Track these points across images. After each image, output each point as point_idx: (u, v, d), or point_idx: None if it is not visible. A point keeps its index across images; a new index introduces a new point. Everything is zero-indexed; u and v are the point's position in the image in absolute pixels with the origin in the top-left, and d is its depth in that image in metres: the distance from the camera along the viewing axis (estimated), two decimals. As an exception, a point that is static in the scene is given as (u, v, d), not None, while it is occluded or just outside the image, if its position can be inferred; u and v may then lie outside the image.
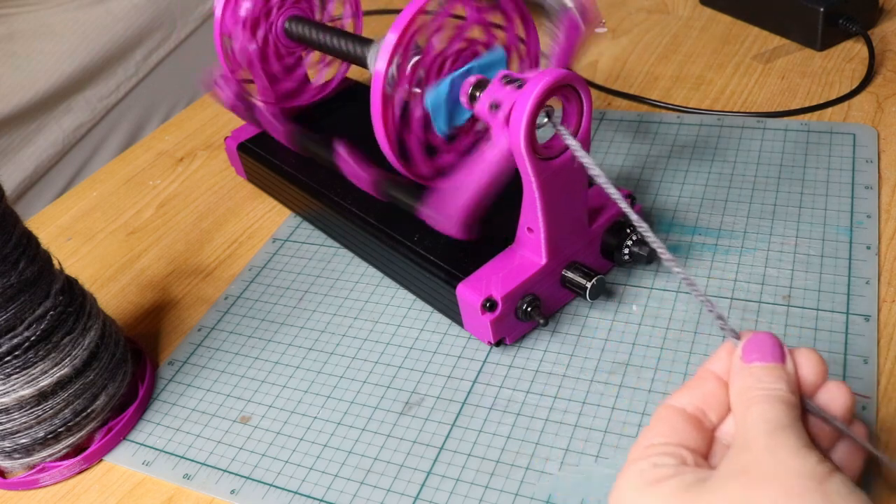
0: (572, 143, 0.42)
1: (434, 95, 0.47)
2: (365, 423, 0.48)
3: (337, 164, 0.55)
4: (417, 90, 0.47)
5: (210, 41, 0.63)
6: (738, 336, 0.35)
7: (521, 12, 0.50)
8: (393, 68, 0.46)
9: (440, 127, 0.48)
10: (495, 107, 0.43)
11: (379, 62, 0.46)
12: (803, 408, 0.33)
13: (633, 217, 0.38)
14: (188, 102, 1.22)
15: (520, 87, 0.42)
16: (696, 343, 0.48)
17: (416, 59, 0.47)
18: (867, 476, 0.38)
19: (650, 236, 0.37)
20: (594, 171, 0.40)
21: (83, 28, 1.28)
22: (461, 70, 0.46)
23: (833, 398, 0.34)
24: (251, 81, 0.68)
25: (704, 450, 0.33)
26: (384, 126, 0.47)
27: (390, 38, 0.46)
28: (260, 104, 0.63)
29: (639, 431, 0.44)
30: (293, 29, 0.62)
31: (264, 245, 0.64)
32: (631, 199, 0.52)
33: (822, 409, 0.33)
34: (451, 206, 0.47)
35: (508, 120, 0.43)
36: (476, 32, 0.48)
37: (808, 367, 0.34)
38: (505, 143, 0.43)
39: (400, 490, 0.44)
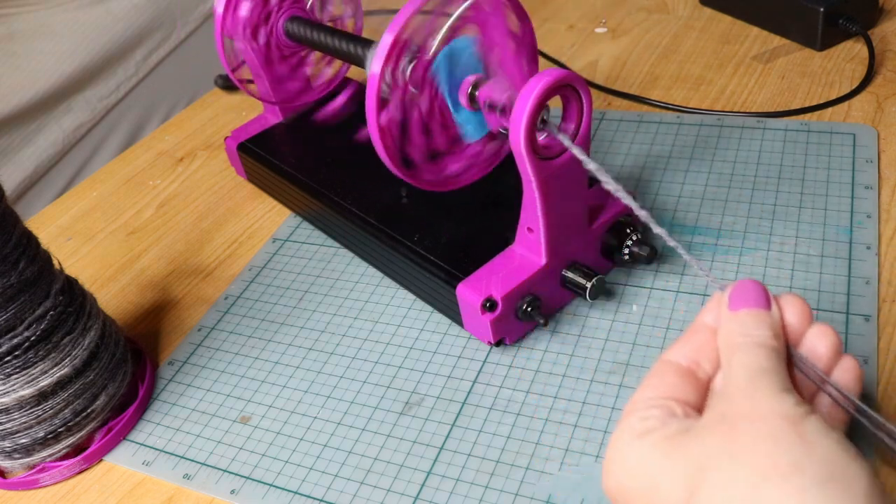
0: (569, 143, 0.42)
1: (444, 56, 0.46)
2: (365, 423, 0.48)
3: None
4: (414, 91, 0.47)
5: (210, 41, 0.63)
6: (724, 287, 0.35)
7: (516, 8, 0.50)
8: (389, 70, 0.46)
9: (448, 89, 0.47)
10: (492, 106, 0.43)
11: (374, 65, 0.46)
12: (789, 354, 0.34)
13: (634, 206, 0.38)
14: (188, 102, 1.22)
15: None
16: (696, 343, 0.48)
17: (412, 57, 0.47)
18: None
19: (654, 225, 0.37)
20: (591, 165, 0.40)
21: (83, 28, 1.27)
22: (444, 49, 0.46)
23: (818, 339, 0.34)
24: (251, 81, 0.68)
25: (698, 401, 0.33)
26: (379, 129, 0.47)
27: (386, 40, 0.46)
28: None
29: (639, 431, 0.44)
30: (293, 29, 0.62)
31: (264, 245, 0.64)
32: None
33: (803, 357, 0.34)
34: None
35: (508, 116, 0.42)
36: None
37: (792, 312, 0.34)
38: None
39: (400, 490, 0.44)
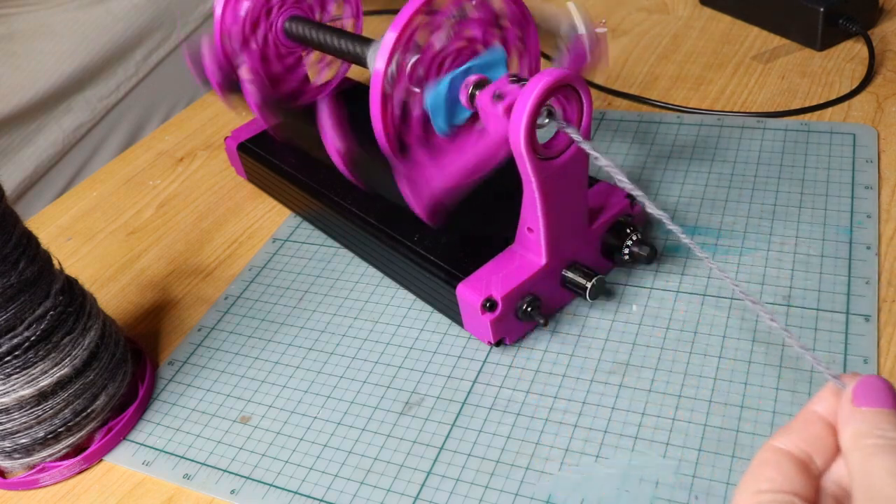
0: (578, 138, 0.42)
1: (433, 94, 0.47)
2: (365, 423, 0.48)
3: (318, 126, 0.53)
4: (417, 89, 0.47)
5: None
6: (838, 377, 0.33)
7: (522, 12, 0.50)
8: (392, 67, 0.46)
9: (439, 126, 0.48)
10: (499, 96, 0.43)
11: (378, 61, 0.46)
12: None
13: (650, 207, 0.38)
14: (188, 102, 1.22)
15: (524, 86, 0.43)
16: (696, 343, 0.48)
17: (415, 58, 0.47)
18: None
19: (670, 225, 0.37)
20: (602, 161, 0.40)
21: (83, 28, 1.27)
22: (461, 69, 0.46)
23: None
24: (251, 81, 0.68)
25: (814, 498, 0.31)
26: (384, 126, 0.47)
27: (389, 37, 0.46)
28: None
29: (639, 431, 0.44)
30: (293, 29, 0.62)
31: (264, 245, 0.64)
32: (631, 199, 0.52)
33: None
34: (424, 187, 0.46)
35: (509, 112, 0.43)
36: (476, 32, 0.48)
37: None
38: (496, 135, 0.43)
39: (400, 490, 0.44)
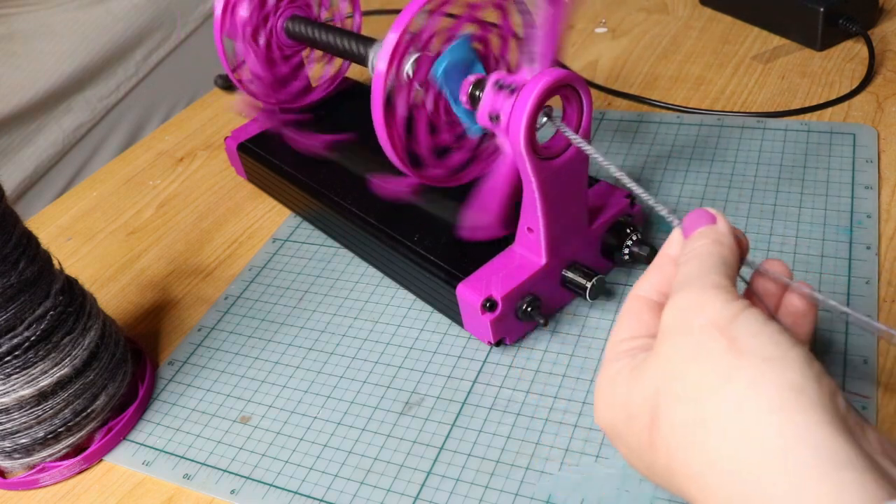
0: (576, 138, 0.42)
1: (444, 62, 0.46)
2: (365, 423, 0.48)
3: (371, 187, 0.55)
4: (420, 88, 0.47)
5: (210, 41, 0.63)
6: (680, 221, 0.36)
7: (521, 9, 0.50)
8: (394, 68, 0.46)
9: (454, 95, 0.47)
10: (495, 118, 0.43)
11: (380, 62, 0.46)
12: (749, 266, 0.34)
13: (634, 187, 0.38)
14: (188, 102, 1.22)
15: (512, 92, 0.43)
16: (696, 343, 0.48)
17: (416, 55, 0.47)
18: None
19: (648, 198, 0.38)
20: (600, 159, 0.40)
21: (83, 28, 1.27)
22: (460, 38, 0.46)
23: (801, 300, 0.35)
24: (251, 82, 0.68)
25: None
26: (387, 128, 0.47)
27: (391, 38, 0.46)
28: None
29: (639, 431, 0.44)
30: (293, 28, 0.62)
31: (264, 245, 0.64)
32: (631, 199, 0.52)
33: (763, 267, 0.34)
34: (485, 215, 0.48)
35: (508, 128, 0.43)
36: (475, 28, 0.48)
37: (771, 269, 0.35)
38: (511, 150, 0.44)
39: (400, 490, 0.44)
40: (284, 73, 0.65)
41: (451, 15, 0.47)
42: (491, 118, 0.44)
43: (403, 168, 0.49)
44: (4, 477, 0.50)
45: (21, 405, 0.46)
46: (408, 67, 0.47)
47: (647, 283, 0.35)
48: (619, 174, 0.39)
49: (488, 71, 0.47)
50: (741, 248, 0.34)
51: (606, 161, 0.40)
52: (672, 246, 0.36)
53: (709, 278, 0.31)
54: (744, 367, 0.27)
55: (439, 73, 0.46)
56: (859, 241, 0.52)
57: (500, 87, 0.44)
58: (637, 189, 0.38)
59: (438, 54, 0.47)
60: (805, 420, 0.26)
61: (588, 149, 0.41)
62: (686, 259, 0.33)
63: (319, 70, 0.70)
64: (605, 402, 0.32)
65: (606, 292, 0.53)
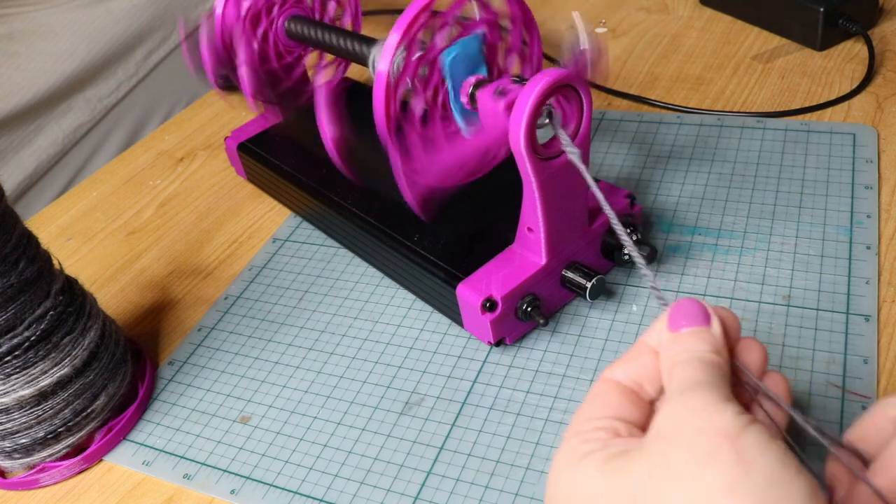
0: (570, 148, 0.42)
1: (453, 54, 0.46)
2: (365, 423, 0.48)
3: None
4: (419, 86, 0.47)
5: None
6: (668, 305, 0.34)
7: (524, 13, 0.50)
8: (395, 68, 0.46)
9: (457, 88, 0.47)
10: (501, 92, 0.43)
11: (381, 63, 0.46)
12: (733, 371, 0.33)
13: (614, 220, 0.38)
14: (188, 102, 1.22)
15: (524, 85, 0.43)
16: (696, 343, 0.48)
17: (418, 54, 0.47)
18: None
19: (624, 237, 0.37)
20: (587, 177, 0.40)
21: (83, 28, 1.27)
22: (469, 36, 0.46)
23: (747, 352, 0.33)
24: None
25: (643, 422, 0.32)
26: (388, 129, 0.47)
27: (393, 39, 0.46)
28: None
29: (639, 431, 0.44)
30: (293, 28, 0.62)
31: (264, 245, 0.64)
32: (631, 199, 0.52)
33: (741, 366, 0.33)
34: (418, 178, 0.46)
35: (510, 109, 0.42)
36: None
37: (727, 326, 0.33)
38: (493, 132, 0.43)
39: (400, 490, 0.44)
40: (283, 73, 0.65)
41: (463, 18, 0.47)
42: (497, 91, 0.43)
43: (392, 152, 0.49)
44: (4, 477, 0.50)
45: (21, 405, 0.46)
46: (409, 68, 0.47)
47: (621, 370, 0.34)
48: (589, 181, 0.39)
49: (491, 76, 0.47)
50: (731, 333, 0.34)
51: (590, 180, 0.40)
52: (653, 336, 0.34)
53: (718, 390, 0.29)
54: (748, 482, 0.26)
55: (448, 62, 0.46)
56: (859, 241, 0.52)
57: (518, 80, 0.44)
58: (623, 236, 0.37)
59: (447, 45, 0.46)
60: None
61: (578, 164, 0.41)
62: (682, 361, 0.31)
63: (317, 71, 0.70)
64: (565, 489, 0.30)
65: (606, 292, 0.53)
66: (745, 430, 0.27)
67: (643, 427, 0.32)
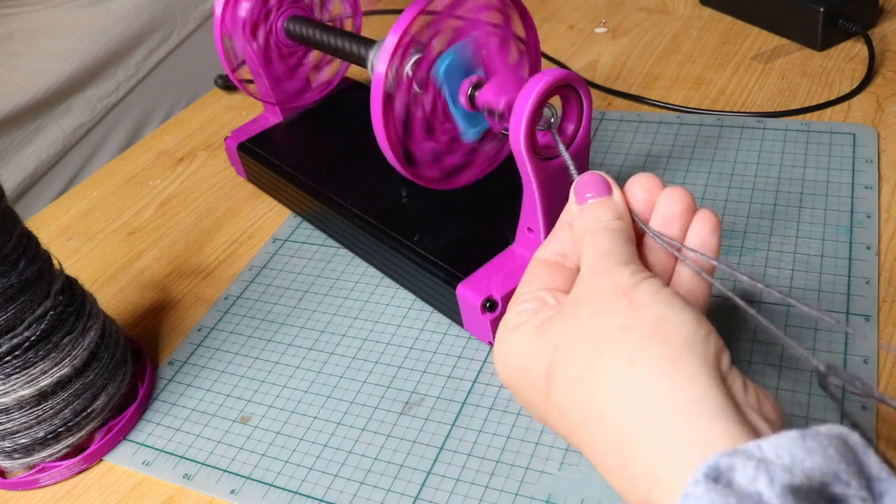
0: (564, 154, 0.42)
1: (445, 61, 0.46)
2: (365, 423, 0.48)
3: None
4: (418, 90, 0.47)
5: (210, 41, 0.63)
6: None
7: (520, 11, 0.50)
8: (393, 70, 0.46)
9: (453, 95, 0.47)
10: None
11: (379, 64, 0.46)
12: (643, 233, 0.36)
13: None
14: (188, 102, 1.22)
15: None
16: (696, 343, 0.48)
17: (416, 57, 0.47)
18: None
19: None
20: (574, 174, 0.40)
21: (83, 28, 1.28)
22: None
23: (670, 202, 0.36)
24: (251, 81, 0.68)
25: (570, 287, 0.36)
26: (385, 129, 0.47)
27: (391, 40, 0.46)
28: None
29: (639, 431, 0.44)
30: (293, 28, 0.62)
31: (264, 245, 0.64)
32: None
33: (656, 231, 0.36)
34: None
35: (508, 111, 0.43)
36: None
37: (639, 188, 0.36)
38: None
39: (400, 490, 0.44)
40: (283, 73, 0.65)
41: (457, 17, 0.47)
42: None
43: (399, 167, 0.49)
44: (4, 477, 0.50)
45: (21, 405, 0.46)
46: (408, 68, 0.47)
47: (545, 248, 0.38)
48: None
49: (488, 76, 0.47)
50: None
51: (575, 175, 0.40)
52: (567, 212, 0.38)
53: (620, 254, 0.34)
54: (639, 321, 0.30)
55: (441, 72, 0.46)
56: (859, 241, 0.52)
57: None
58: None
59: (440, 54, 0.47)
60: (689, 373, 0.28)
61: (571, 166, 0.41)
62: (590, 231, 0.35)
63: (318, 70, 0.70)
64: (503, 357, 0.35)
65: (606, 292, 0.53)
66: (639, 284, 0.32)
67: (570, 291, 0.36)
